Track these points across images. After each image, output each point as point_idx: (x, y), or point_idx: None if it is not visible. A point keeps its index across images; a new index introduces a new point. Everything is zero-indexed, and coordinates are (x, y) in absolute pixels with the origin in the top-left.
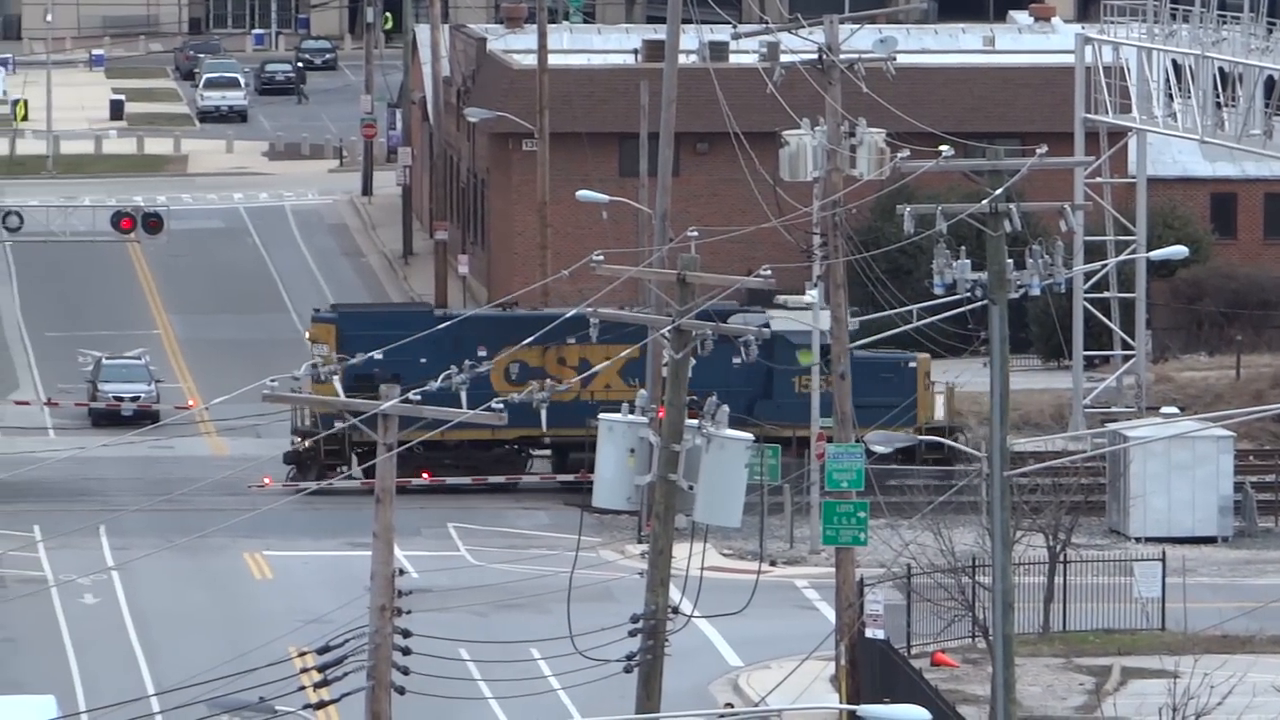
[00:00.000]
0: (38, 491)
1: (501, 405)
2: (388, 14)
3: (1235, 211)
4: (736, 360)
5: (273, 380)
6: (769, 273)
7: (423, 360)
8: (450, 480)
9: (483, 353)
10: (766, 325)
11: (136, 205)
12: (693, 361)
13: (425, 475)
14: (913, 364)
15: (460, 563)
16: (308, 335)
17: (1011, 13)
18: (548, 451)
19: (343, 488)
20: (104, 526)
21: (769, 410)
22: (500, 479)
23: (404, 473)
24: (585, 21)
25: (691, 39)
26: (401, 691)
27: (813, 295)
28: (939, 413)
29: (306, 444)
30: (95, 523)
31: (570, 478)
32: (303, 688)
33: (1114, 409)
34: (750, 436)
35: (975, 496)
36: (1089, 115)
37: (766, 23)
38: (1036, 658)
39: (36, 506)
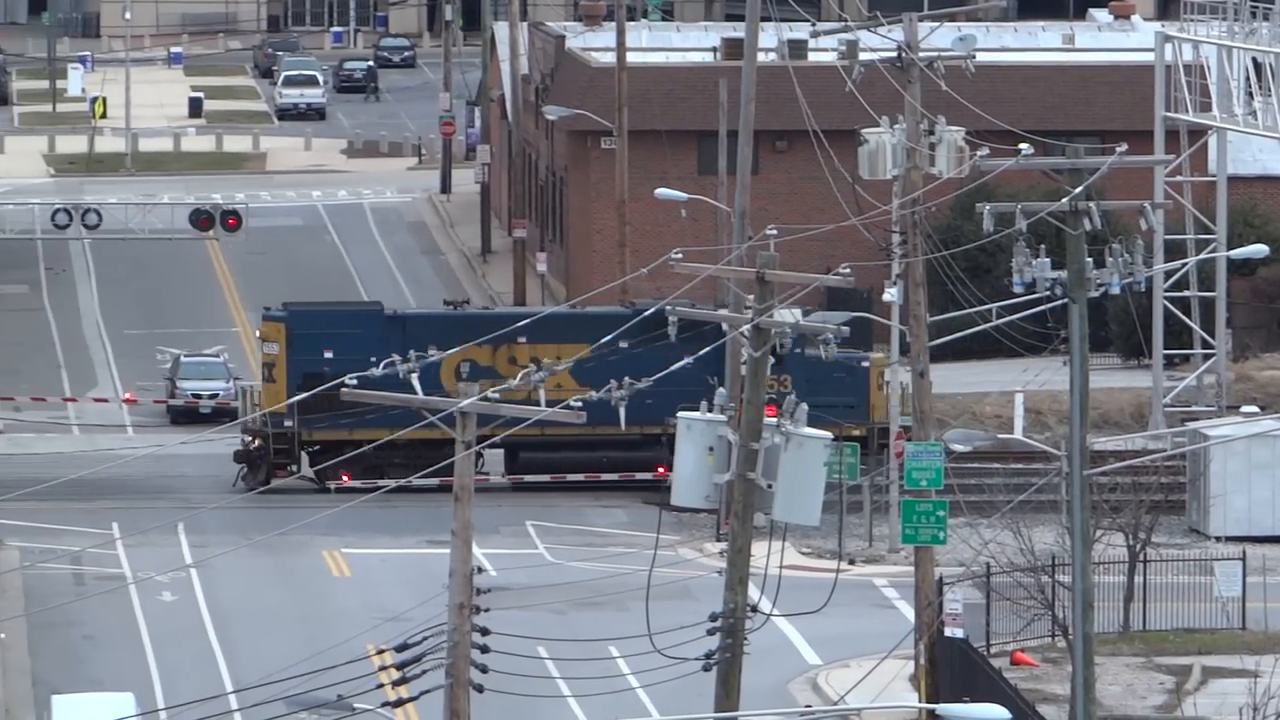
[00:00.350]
0: (116, 489)
1: (580, 403)
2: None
3: None
4: (688, 359)
5: (352, 378)
6: (848, 271)
7: (373, 359)
8: (529, 479)
9: (434, 351)
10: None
11: (215, 203)
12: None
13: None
14: (865, 363)
15: (539, 561)
16: (258, 333)
17: (1091, 10)
18: (499, 450)
19: (421, 485)
20: (182, 524)
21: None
22: (579, 477)
23: (355, 472)
24: (664, 19)
25: (770, 37)
26: (480, 690)
27: (892, 294)
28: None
29: (256, 443)
30: (174, 520)
31: (647, 476)
32: (380, 686)
33: (1194, 408)
34: (829, 435)
35: (1055, 495)
36: (1169, 114)
37: (846, 20)
38: (1116, 657)
39: (115, 504)
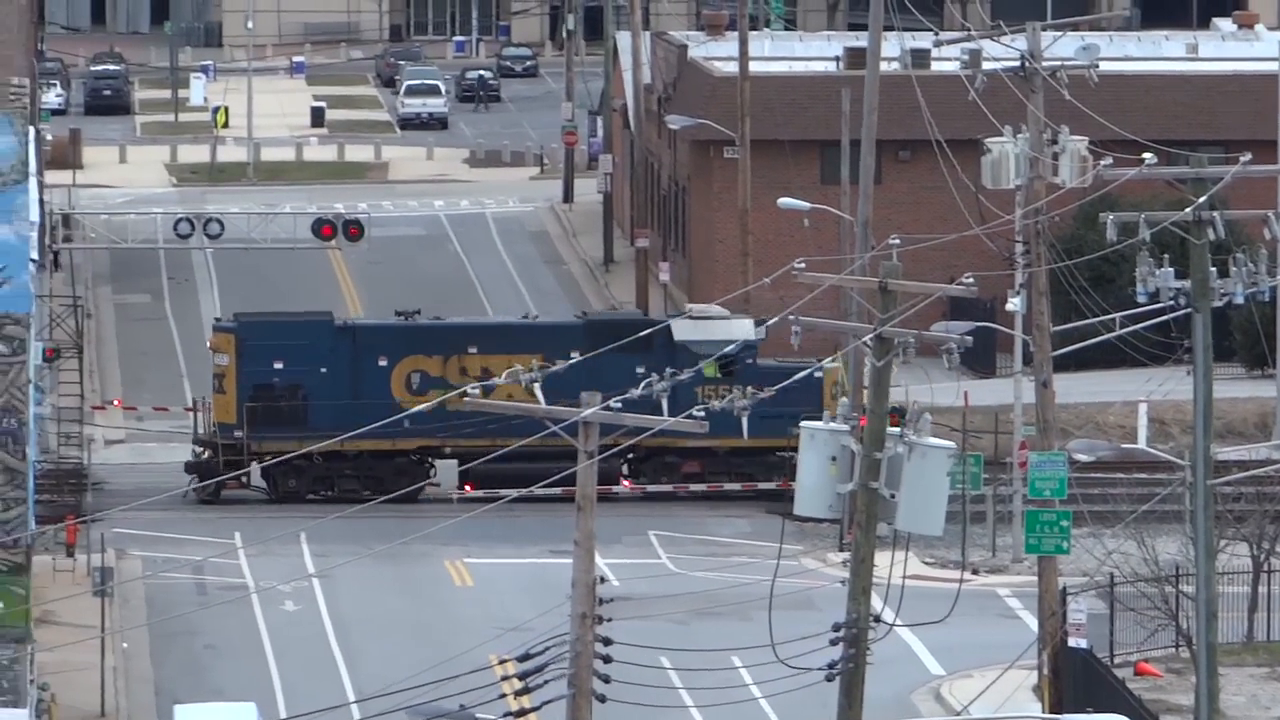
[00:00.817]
0: (238, 498)
1: (703, 413)
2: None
3: None
4: (639, 370)
5: (473, 388)
6: (971, 281)
7: (323, 370)
8: (651, 488)
9: (383, 362)
10: (970, 334)
11: (337, 212)
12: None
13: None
14: (819, 374)
15: (661, 570)
16: (209, 344)
17: (1215, 20)
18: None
19: (543, 494)
20: (304, 533)
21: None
22: (701, 487)
23: (306, 483)
24: (786, 29)
25: (893, 46)
26: (602, 700)
27: (1015, 303)
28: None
29: (206, 454)
30: (296, 530)
31: (770, 485)
32: (503, 696)
33: None
34: (953, 445)
35: (1179, 505)
36: None
37: (968, 29)
38: (1240, 667)
39: (237, 513)
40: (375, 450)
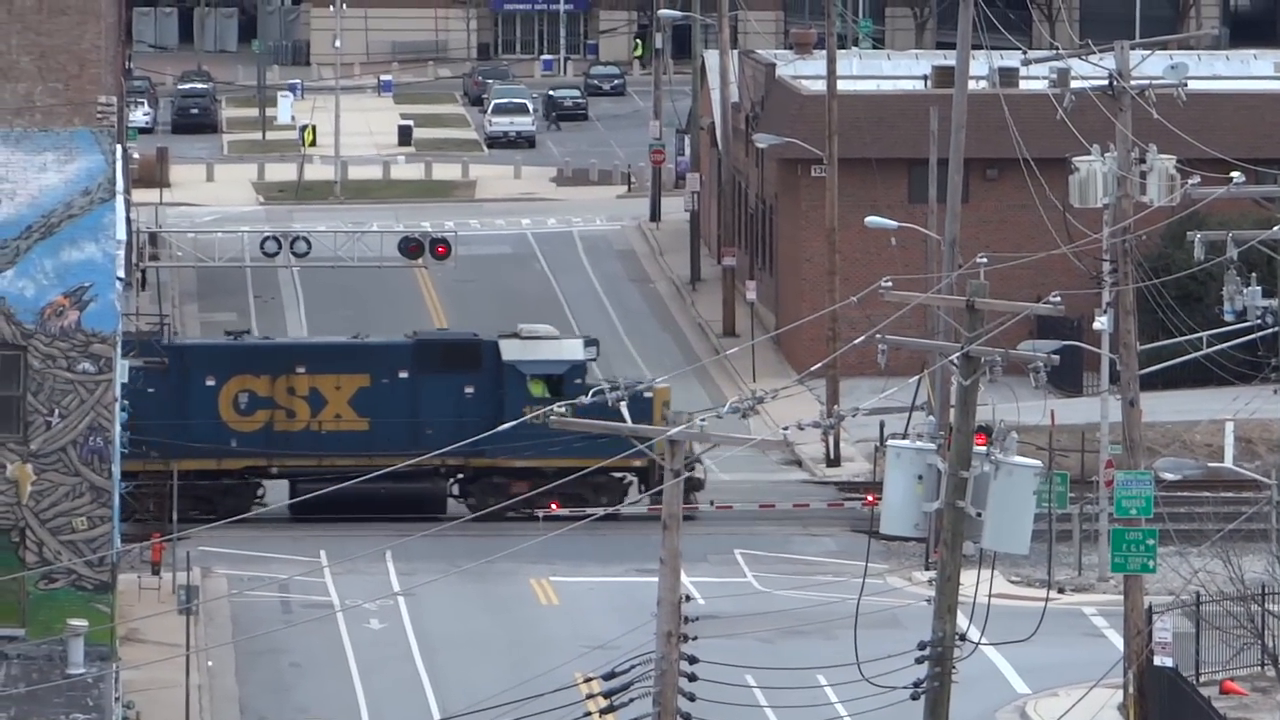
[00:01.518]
0: (323, 516)
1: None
2: (638, 41)
3: None
4: (468, 390)
5: (560, 406)
6: (1058, 299)
7: (150, 390)
8: (738, 506)
9: (211, 382)
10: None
11: (424, 231)
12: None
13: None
14: (649, 394)
15: (747, 589)
16: None
17: None
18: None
19: (630, 513)
20: (390, 551)
21: (499, 440)
22: (787, 506)
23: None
24: (874, 47)
25: (981, 64)
26: (687, 718)
27: (1102, 322)
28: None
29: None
30: (381, 548)
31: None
32: (588, 714)
33: None
34: (1039, 464)
35: (1265, 524)
36: None
37: (1057, 48)
38: None
39: (322, 531)
40: (201, 470)
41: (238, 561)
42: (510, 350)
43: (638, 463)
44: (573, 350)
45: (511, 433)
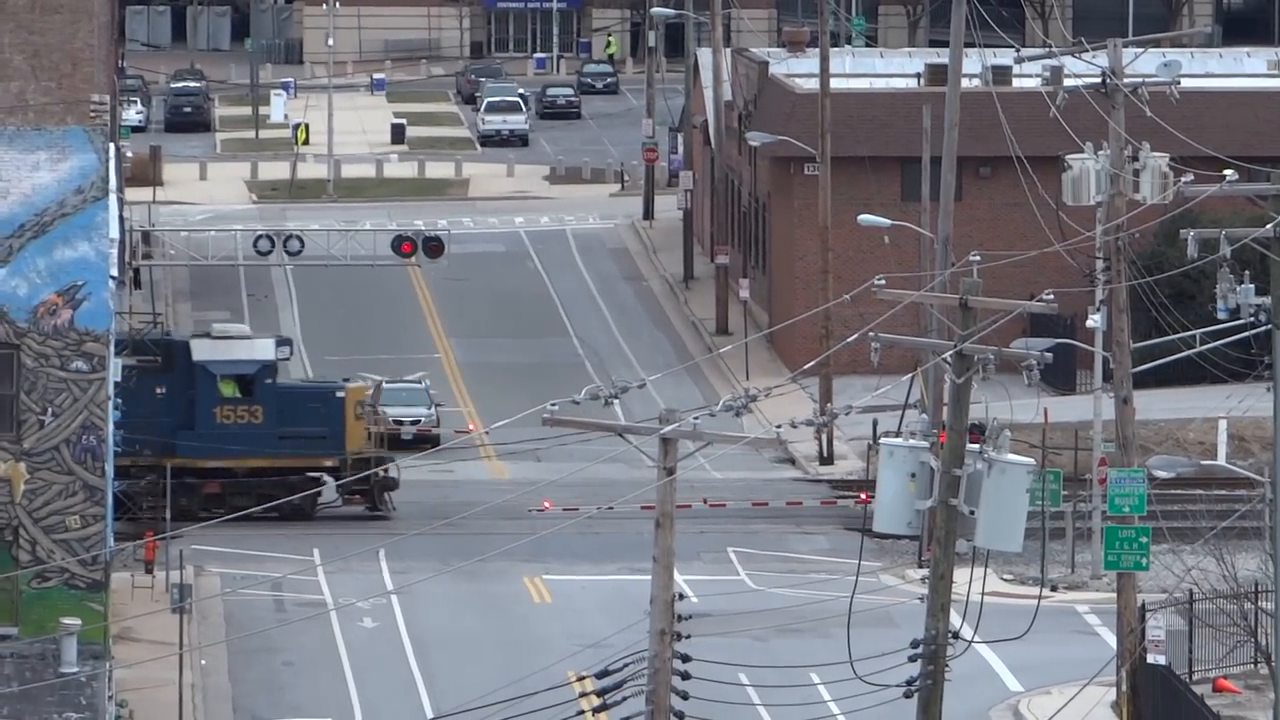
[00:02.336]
0: (316, 514)
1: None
2: (609, 39)
3: None
4: (160, 390)
5: (553, 404)
6: (1051, 297)
7: None
8: (731, 504)
9: None
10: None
11: (417, 229)
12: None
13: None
14: (341, 394)
15: (740, 587)
16: None
17: None
18: None
19: (624, 513)
20: (383, 550)
21: (191, 440)
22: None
23: None
24: (867, 46)
25: (974, 62)
26: (681, 716)
27: (1095, 320)
28: (364, 442)
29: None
30: (375, 546)
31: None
32: (581, 713)
33: None
34: (1032, 461)
35: (1258, 522)
36: None
37: (1049, 46)
38: None
39: (316, 530)
40: None
41: (231, 560)
42: (201, 350)
43: (329, 461)
44: (264, 350)
45: (201, 432)
